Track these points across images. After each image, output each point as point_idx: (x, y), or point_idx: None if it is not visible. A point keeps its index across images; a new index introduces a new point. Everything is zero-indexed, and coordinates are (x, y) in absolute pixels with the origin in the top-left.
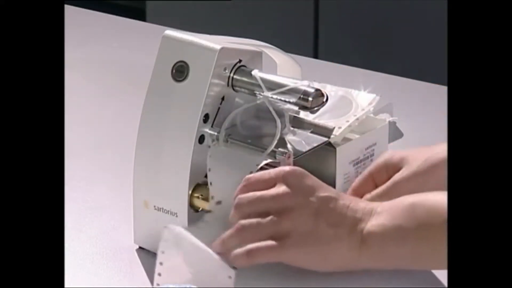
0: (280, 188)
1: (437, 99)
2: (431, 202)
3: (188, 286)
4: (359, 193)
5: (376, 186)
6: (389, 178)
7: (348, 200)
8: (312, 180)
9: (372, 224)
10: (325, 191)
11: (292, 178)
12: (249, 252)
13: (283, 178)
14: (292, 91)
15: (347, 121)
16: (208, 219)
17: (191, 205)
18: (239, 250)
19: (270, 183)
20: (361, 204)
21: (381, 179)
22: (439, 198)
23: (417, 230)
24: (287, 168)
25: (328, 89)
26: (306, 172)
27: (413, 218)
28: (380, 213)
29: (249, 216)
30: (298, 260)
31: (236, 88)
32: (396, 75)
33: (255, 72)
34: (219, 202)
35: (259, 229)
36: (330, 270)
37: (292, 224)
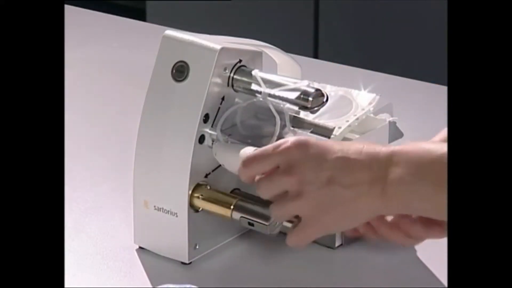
0: (286, 171)
1: (437, 99)
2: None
3: (188, 286)
4: None
5: None
6: None
7: (359, 153)
8: (317, 147)
9: (391, 178)
10: (332, 153)
11: (296, 154)
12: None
13: (286, 158)
14: (292, 91)
15: (347, 121)
16: None
17: (191, 205)
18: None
19: (272, 162)
20: (375, 154)
21: None
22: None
23: (440, 185)
24: (288, 143)
25: (328, 89)
26: (308, 141)
27: (436, 173)
28: (397, 164)
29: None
30: (323, 231)
31: (236, 88)
32: (396, 75)
33: (255, 72)
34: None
35: (281, 207)
36: (353, 227)
37: (309, 203)
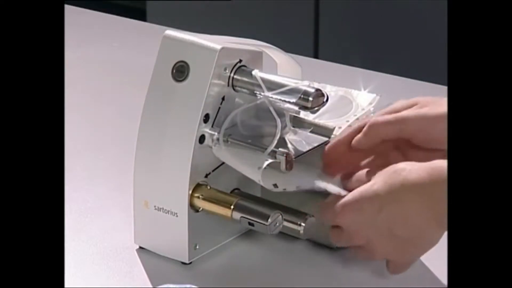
0: (350, 234)
1: None
2: None
3: (188, 286)
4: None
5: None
6: None
7: (403, 188)
8: (366, 203)
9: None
10: (382, 203)
11: (350, 219)
12: None
13: (344, 224)
14: (293, 91)
15: (347, 121)
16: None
17: (191, 205)
18: None
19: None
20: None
21: None
22: None
23: None
24: (339, 211)
25: (328, 89)
26: (356, 200)
27: None
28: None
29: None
30: (410, 263)
31: (237, 88)
32: (396, 75)
33: (256, 72)
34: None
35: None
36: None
37: (381, 253)
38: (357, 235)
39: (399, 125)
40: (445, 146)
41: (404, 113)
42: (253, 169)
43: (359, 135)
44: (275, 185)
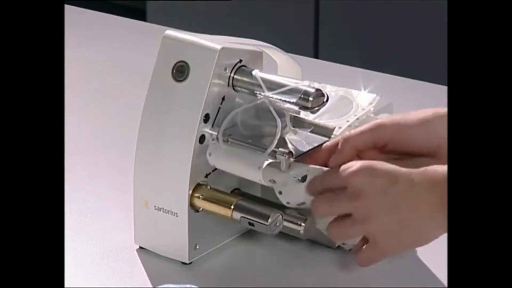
0: (352, 196)
1: (437, 99)
2: None
3: (188, 286)
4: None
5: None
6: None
7: (423, 176)
8: (383, 172)
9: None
10: (398, 177)
11: (362, 179)
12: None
13: (352, 182)
14: (293, 91)
15: (347, 121)
16: None
17: (192, 205)
18: None
19: (338, 184)
20: (435, 176)
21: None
22: None
23: None
24: (354, 168)
25: (328, 89)
26: (375, 166)
27: None
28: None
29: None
30: (391, 252)
31: (237, 88)
32: (396, 75)
33: (256, 72)
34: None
35: (345, 229)
36: (420, 246)
37: (376, 227)
38: (360, 208)
39: (375, 131)
40: (419, 150)
41: (378, 120)
42: (254, 168)
43: (335, 154)
44: (273, 181)
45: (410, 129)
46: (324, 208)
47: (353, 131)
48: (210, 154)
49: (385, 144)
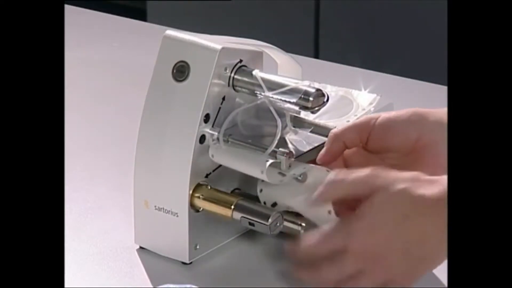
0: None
1: (437, 99)
2: None
3: (188, 286)
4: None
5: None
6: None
7: (420, 216)
8: (380, 233)
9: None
10: (394, 234)
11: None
12: None
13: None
14: (293, 91)
15: (348, 121)
16: None
17: (192, 205)
18: None
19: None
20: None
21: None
22: None
23: None
24: (348, 228)
25: (328, 89)
26: (369, 227)
27: None
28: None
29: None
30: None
31: (237, 88)
32: (396, 75)
33: (256, 72)
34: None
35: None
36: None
37: (386, 269)
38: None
39: (360, 126)
40: (398, 146)
41: (365, 116)
42: (257, 171)
43: (323, 150)
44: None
45: (391, 125)
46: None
47: (340, 127)
48: (212, 156)
49: (368, 139)
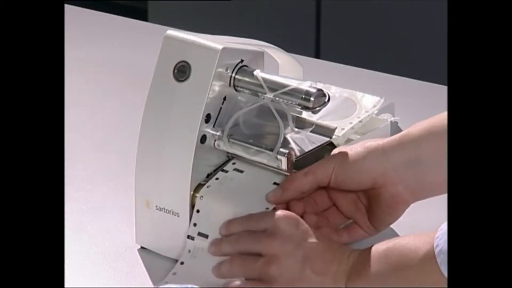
0: (270, 234)
1: (438, 99)
2: (402, 246)
3: (188, 286)
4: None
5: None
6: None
7: (334, 246)
8: (304, 226)
9: (352, 273)
10: (314, 237)
11: (284, 225)
12: None
13: (275, 226)
14: (294, 91)
15: (351, 123)
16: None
17: (193, 205)
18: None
19: (261, 226)
20: (345, 251)
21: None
22: (409, 241)
23: (394, 275)
24: (280, 213)
25: (333, 90)
26: (299, 218)
27: (388, 264)
28: (357, 262)
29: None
30: None
31: (238, 88)
32: (397, 75)
33: (257, 72)
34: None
35: (248, 268)
36: None
37: (279, 271)
38: (270, 247)
39: (316, 174)
40: (357, 187)
41: (322, 160)
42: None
43: (278, 192)
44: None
45: (345, 170)
46: (244, 240)
47: (298, 173)
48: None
49: (328, 185)
